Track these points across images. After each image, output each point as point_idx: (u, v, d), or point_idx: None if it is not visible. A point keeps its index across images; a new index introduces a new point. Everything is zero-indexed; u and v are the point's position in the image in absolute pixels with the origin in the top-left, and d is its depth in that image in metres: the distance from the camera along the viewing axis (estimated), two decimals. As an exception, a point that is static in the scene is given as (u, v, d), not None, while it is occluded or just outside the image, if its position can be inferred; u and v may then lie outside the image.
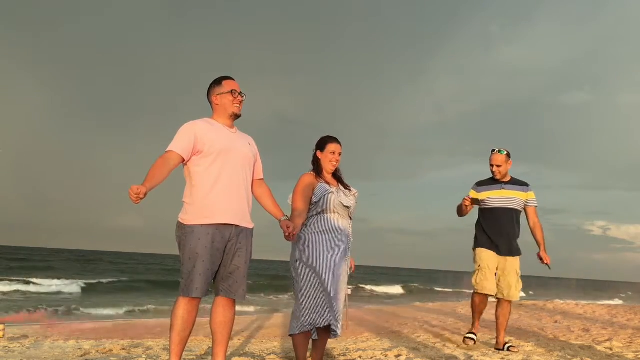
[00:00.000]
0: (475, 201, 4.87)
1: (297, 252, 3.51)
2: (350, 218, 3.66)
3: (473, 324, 4.99)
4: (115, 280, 24.28)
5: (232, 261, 3.18)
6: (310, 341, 3.60)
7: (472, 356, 4.49)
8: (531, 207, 4.83)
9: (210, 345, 3.55)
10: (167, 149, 3.10)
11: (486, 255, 4.77)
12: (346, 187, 3.68)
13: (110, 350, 4.99)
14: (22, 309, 12.59)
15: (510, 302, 4.79)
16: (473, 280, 4.81)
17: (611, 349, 4.91)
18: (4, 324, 6.72)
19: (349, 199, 3.61)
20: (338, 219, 3.55)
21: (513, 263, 4.75)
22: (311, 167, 3.68)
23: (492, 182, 4.86)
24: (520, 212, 4.84)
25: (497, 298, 4.83)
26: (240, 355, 4.60)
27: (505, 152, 4.80)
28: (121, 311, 13.12)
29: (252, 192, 3.38)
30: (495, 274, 4.79)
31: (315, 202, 3.50)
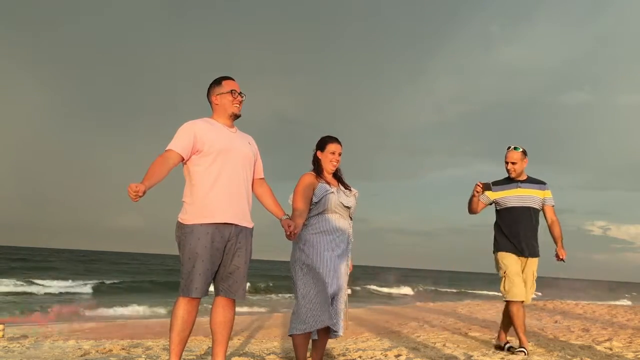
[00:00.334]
0: (485, 188, 4.66)
1: (297, 252, 3.51)
2: (351, 218, 3.66)
3: (519, 339, 4.57)
4: (124, 280, 24.28)
5: (232, 261, 3.18)
6: (310, 341, 3.60)
7: (472, 356, 4.49)
8: (549, 205, 4.70)
9: (210, 345, 3.55)
10: (167, 148, 3.10)
11: (510, 260, 4.58)
12: (346, 187, 3.67)
13: (110, 350, 4.99)
14: (42, 310, 12.57)
15: (524, 303, 4.60)
16: (502, 288, 4.60)
17: (611, 349, 4.91)
18: (4, 324, 6.72)
19: (350, 199, 3.61)
20: (338, 219, 3.54)
21: (532, 265, 4.61)
22: (311, 167, 3.68)
23: (508, 181, 4.72)
24: (539, 211, 4.70)
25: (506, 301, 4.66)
26: (240, 355, 4.60)
27: (521, 149, 4.66)
28: (144, 311, 13.07)
29: (253, 192, 3.38)
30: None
31: (316, 203, 3.50)
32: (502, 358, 4.39)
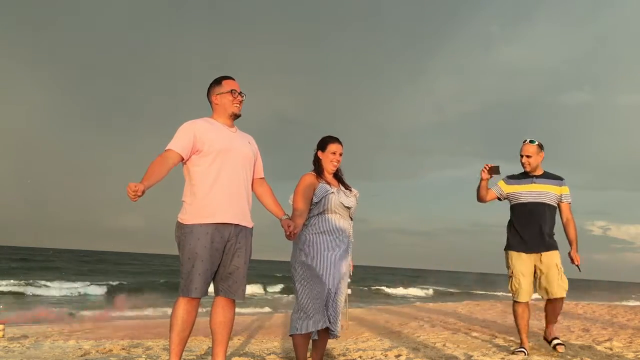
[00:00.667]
0: (493, 171, 4.49)
1: (297, 252, 3.51)
2: (351, 218, 3.66)
3: (521, 339, 4.58)
4: (134, 281, 24.28)
5: (232, 261, 3.18)
6: (311, 341, 3.60)
7: (472, 356, 4.49)
8: (565, 202, 4.54)
9: (210, 345, 3.55)
10: (166, 148, 3.10)
11: (517, 259, 4.48)
12: (347, 187, 3.67)
13: (110, 350, 4.99)
14: (65, 311, 12.58)
15: (559, 298, 4.43)
16: (509, 287, 4.53)
17: (611, 349, 4.91)
18: (4, 324, 6.71)
19: (350, 200, 3.61)
20: (339, 220, 3.55)
21: (551, 257, 4.41)
22: (312, 167, 3.68)
23: (523, 176, 4.57)
24: (555, 208, 4.54)
25: (544, 299, 4.54)
26: (240, 355, 4.60)
27: (537, 143, 4.50)
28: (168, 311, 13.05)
29: (253, 191, 3.38)
30: (535, 275, 4.49)
31: (316, 203, 3.50)
32: (502, 358, 4.39)
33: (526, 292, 4.45)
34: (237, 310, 3.38)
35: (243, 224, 3.21)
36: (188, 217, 3.11)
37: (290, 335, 3.55)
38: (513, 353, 4.52)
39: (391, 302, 20.12)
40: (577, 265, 4.47)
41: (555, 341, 4.61)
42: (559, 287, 4.40)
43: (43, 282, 20.47)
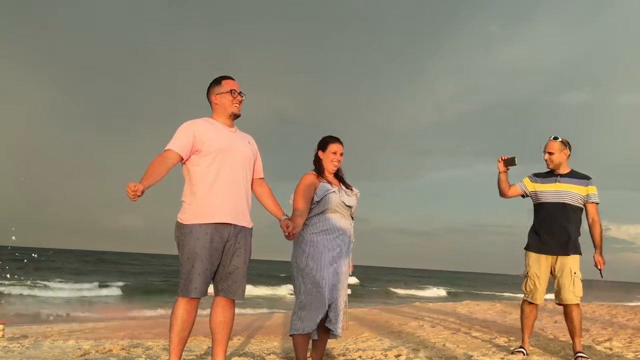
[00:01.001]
0: (508, 163, 4.39)
1: (298, 252, 3.51)
2: (352, 218, 3.66)
3: (522, 338, 4.52)
4: (133, 281, 24.22)
5: (231, 261, 3.18)
6: (310, 341, 3.60)
7: (472, 356, 4.49)
8: (591, 203, 4.34)
9: (210, 345, 3.55)
10: (166, 148, 3.10)
11: (534, 261, 4.36)
12: (348, 187, 3.68)
13: (110, 350, 4.99)
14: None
15: (572, 305, 4.26)
16: (523, 287, 4.44)
17: (611, 349, 4.91)
18: (4, 324, 6.71)
19: (351, 199, 3.61)
20: (339, 219, 3.55)
21: (567, 262, 4.26)
22: (312, 167, 3.68)
23: (548, 174, 4.42)
24: (579, 208, 4.35)
25: (558, 304, 4.40)
26: (240, 355, 4.60)
27: (560, 139, 4.34)
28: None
29: (253, 191, 3.38)
30: (552, 277, 4.37)
31: (317, 202, 3.50)
32: (502, 358, 4.38)
33: (540, 295, 4.35)
34: (237, 310, 3.38)
35: (242, 224, 3.21)
36: (187, 217, 3.11)
37: (290, 335, 3.55)
38: (512, 353, 4.51)
39: (391, 302, 20.11)
40: (600, 270, 4.28)
41: (578, 355, 4.27)
42: (570, 293, 4.24)
43: (43, 282, 20.46)
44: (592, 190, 4.34)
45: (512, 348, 4.82)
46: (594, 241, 4.35)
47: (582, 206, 4.36)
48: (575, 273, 4.25)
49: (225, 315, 3.21)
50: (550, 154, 4.36)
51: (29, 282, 19.92)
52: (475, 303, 13.11)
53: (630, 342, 5.37)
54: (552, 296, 4.55)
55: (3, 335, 6.33)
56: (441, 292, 32.33)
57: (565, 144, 4.38)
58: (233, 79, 3.32)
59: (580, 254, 4.32)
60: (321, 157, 3.64)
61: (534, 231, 4.44)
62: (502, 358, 4.38)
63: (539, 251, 4.37)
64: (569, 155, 4.41)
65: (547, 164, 4.41)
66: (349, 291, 3.69)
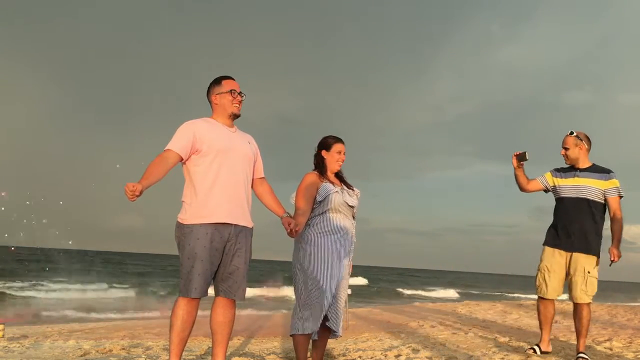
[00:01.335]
0: (520, 158, 4.34)
1: (299, 251, 3.52)
2: (354, 218, 3.66)
3: (541, 336, 4.42)
4: (133, 280, 24.19)
5: (232, 261, 3.18)
6: (311, 341, 3.60)
7: (472, 356, 4.49)
8: (611, 197, 4.22)
9: (210, 345, 3.55)
10: (166, 148, 3.10)
11: (548, 254, 4.31)
12: (349, 187, 3.68)
13: (110, 350, 4.99)
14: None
15: (583, 304, 4.19)
16: (535, 282, 4.38)
17: (611, 349, 4.91)
18: (4, 324, 6.71)
19: (353, 199, 3.61)
20: (342, 219, 3.55)
21: (581, 260, 4.17)
22: (312, 167, 3.68)
23: (569, 169, 4.35)
24: (600, 204, 4.24)
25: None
26: (240, 355, 4.60)
27: (575, 134, 4.27)
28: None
29: (253, 191, 3.39)
30: (568, 274, 4.27)
31: (320, 202, 3.50)
32: (502, 358, 4.39)
33: (551, 289, 4.27)
34: (237, 310, 3.38)
35: (243, 224, 3.21)
36: (188, 217, 3.11)
37: (290, 335, 3.55)
38: (526, 351, 4.43)
39: (391, 302, 20.11)
40: (612, 261, 4.14)
41: (579, 355, 4.21)
42: (581, 292, 4.16)
43: (43, 283, 20.47)
44: (613, 183, 4.24)
45: (526, 348, 4.69)
46: (613, 234, 4.22)
47: (602, 201, 4.25)
48: (589, 272, 4.17)
49: (225, 315, 3.21)
50: (566, 149, 4.30)
51: (29, 282, 19.94)
52: (475, 303, 13.12)
53: (630, 342, 5.37)
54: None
55: (3, 335, 6.33)
56: (450, 293, 32.09)
57: (581, 138, 4.29)
58: (233, 79, 3.32)
59: (597, 255, 4.22)
60: (325, 157, 3.64)
61: (552, 226, 4.39)
62: (502, 358, 4.38)
63: (554, 246, 4.32)
64: (588, 149, 4.33)
65: (565, 160, 4.36)
66: (349, 291, 3.69)
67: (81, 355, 4.72)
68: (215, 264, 3.13)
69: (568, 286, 4.30)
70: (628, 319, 8.35)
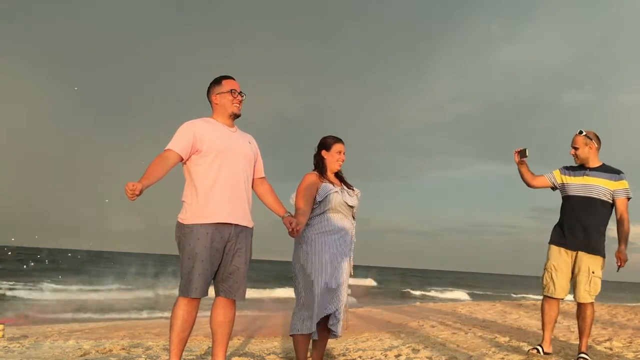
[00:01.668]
0: (521, 155, 4.34)
1: (299, 251, 3.52)
2: (354, 218, 3.66)
3: (542, 337, 4.40)
4: (133, 280, 24.08)
5: (232, 261, 3.18)
6: (311, 341, 3.60)
7: (472, 356, 4.49)
8: (619, 198, 4.19)
9: (210, 345, 3.55)
10: (166, 148, 3.10)
11: (554, 253, 4.29)
12: (349, 187, 3.68)
13: (110, 350, 4.99)
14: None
15: (586, 304, 4.18)
16: (541, 281, 4.36)
17: (611, 349, 4.91)
18: (4, 324, 6.71)
19: (353, 199, 3.61)
20: (341, 219, 3.55)
21: (586, 260, 4.15)
22: (312, 167, 3.68)
23: (578, 168, 4.32)
24: (608, 204, 4.21)
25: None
26: (240, 355, 4.60)
27: (585, 133, 4.23)
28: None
29: (254, 191, 3.39)
30: (572, 273, 4.25)
31: (320, 202, 3.50)
32: (502, 358, 4.39)
33: (559, 288, 4.24)
34: (237, 310, 3.38)
35: (243, 224, 3.21)
36: (188, 217, 3.11)
37: (290, 335, 3.55)
38: (528, 352, 4.41)
39: (392, 302, 20.11)
40: (619, 266, 4.11)
41: (580, 356, 4.21)
42: (585, 292, 4.15)
43: (42, 283, 20.46)
44: (622, 185, 4.21)
45: (528, 348, 4.67)
46: (619, 236, 4.18)
47: (610, 201, 4.22)
48: (593, 272, 4.15)
49: (225, 315, 3.21)
50: (575, 148, 4.28)
51: (29, 282, 19.93)
52: (475, 303, 13.12)
53: (630, 342, 5.38)
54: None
55: (3, 335, 6.33)
56: (460, 294, 31.80)
57: (591, 137, 4.26)
58: (233, 79, 3.33)
59: (602, 256, 4.21)
60: (325, 157, 3.64)
61: (559, 225, 4.37)
62: (502, 358, 4.38)
63: (560, 245, 4.30)
64: (598, 148, 4.30)
65: (574, 159, 4.33)
66: (349, 291, 3.69)
67: (81, 355, 4.72)
68: (215, 264, 3.13)
69: (572, 285, 4.28)
70: (628, 319, 8.35)
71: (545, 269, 4.34)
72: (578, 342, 4.36)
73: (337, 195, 3.52)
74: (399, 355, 4.62)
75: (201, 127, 3.16)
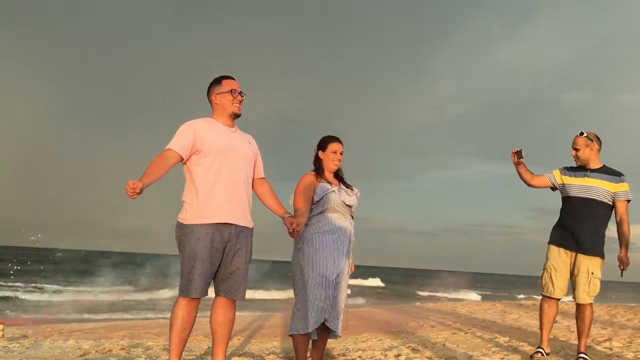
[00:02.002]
0: (518, 156, 4.32)
1: (298, 252, 3.52)
2: (352, 217, 3.66)
3: (541, 338, 4.37)
4: (133, 280, 24.07)
5: (232, 261, 3.18)
6: (310, 341, 3.61)
7: (472, 356, 4.49)
8: (620, 200, 4.17)
9: (210, 345, 3.55)
10: (166, 147, 3.10)
11: (553, 253, 4.28)
12: (348, 186, 3.68)
13: (110, 350, 4.99)
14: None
15: (585, 305, 4.19)
16: (540, 280, 4.36)
17: (611, 349, 4.91)
18: (4, 324, 6.71)
19: (351, 198, 3.61)
20: (340, 219, 3.55)
21: (585, 261, 4.15)
22: (312, 167, 3.68)
23: (579, 169, 4.31)
24: (608, 205, 4.21)
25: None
26: (240, 355, 4.60)
27: (586, 134, 4.22)
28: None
29: (254, 191, 3.39)
30: (572, 274, 4.24)
31: (317, 202, 3.51)
32: (502, 358, 4.39)
33: (557, 288, 4.23)
34: (237, 310, 3.38)
35: (243, 224, 3.21)
36: (188, 217, 3.11)
37: (290, 335, 3.55)
38: (531, 356, 4.35)
39: (392, 302, 20.11)
40: (622, 270, 4.09)
41: (580, 356, 4.22)
42: (584, 293, 4.15)
43: (42, 283, 20.46)
44: (622, 187, 4.21)
45: (531, 352, 4.59)
46: (620, 239, 4.18)
47: (610, 203, 4.22)
48: (592, 273, 4.15)
49: (225, 315, 3.21)
50: (576, 150, 4.26)
51: (28, 282, 19.92)
52: (475, 303, 13.12)
53: (630, 342, 5.38)
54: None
55: (3, 335, 6.33)
56: (473, 295, 31.53)
57: (591, 139, 4.25)
58: (233, 79, 3.33)
59: (602, 257, 4.21)
60: (321, 157, 3.65)
61: (558, 225, 4.37)
62: (502, 358, 4.39)
63: (560, 245, 4.29)
64: (599, 149, 4.30)
65: (575, 160, 4.32)
66: (349, 291, 3.69)
67: (81, 355, 4.72)
68: (215, 264, 3.13)
69: (571, 286, 4.27)
70: (628, 319, 8.35)
71: (544, 268, 4.34)
72: (577, 343, 4.35)
73: (335, 195, 3.52)
74: (399, 355, 4.63)
75: (201, 127, 3.16)
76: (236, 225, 3.17)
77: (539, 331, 4.51)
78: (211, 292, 3.22)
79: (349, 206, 3.60)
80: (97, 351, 4.98)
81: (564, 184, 4.34)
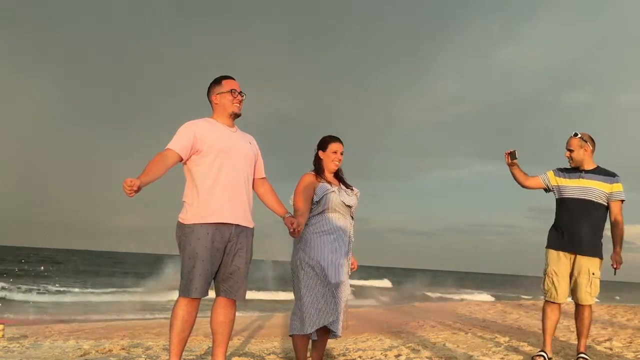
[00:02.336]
0: (512, 157, 4.34)
1: (298, 252, 3.52)
2: (352, 217, 3.66)
3: (544, 341, 4.34)
4: (134, 280, 23.98)
5: (233, 261, 3.18)
6: (310, 341, 3.60)
7: (472, 356, 4.49)
8: (614, 200, 4.20)
9: (210, 345, 3.55)
10: (166, 147, 3.10)
11: (553, 257, 4.26)
12: (348, 186, 3.68)
13: (110, 350, 4.99)
14: None
15: (585, 306, 4.21)
16: (542, 286, 4.34)
17: (611, 349, 4.91)
18: (4, 324, 6.71)
19: (351, 198, 3.61)
20: (339, 219, 3.55)
21: (585, 263, 4.15)
22: (312, 167, 3.68)
23: (573, 170, 4.30)
24: (603, 206, 4.22)
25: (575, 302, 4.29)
26: (240, 355, 4.60)
27: (580, 136, 4.23)
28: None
29: (254, 191, 3.38)
30: (571, 275, 4.23)
31: (317, 202, 3.50)
32: (502, 358, 4.39)
33: (560, 293, 4.22)
34: (237, 310, 3.38)
35: (244, 224, 3.21)
36: (189, 217, 3.11)
37: (290, 335, 3.55)
38: (532, 358, 4.33)
39: (391, 302, 20.11)
40: (615, 269, 4.11)
41: (580, 356, 4.25)
42: (586, 294, 4.16)
43: (42, 283, 20.45)
44: (617, 187, 4.22)
45: (533, 354, 4.63)
46: (614, 240, 4.18)
47: (605, 204, 4.23)
48: (593, 274, 4.16)
49: (226, 315, 3.21)
50: (570, 151, 4.27)
51: (28, 282, 19.92)
52: (475, 303, 13.12)
53: (630, 342, 5.38)
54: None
55: (3, 335, 6.33)
56: (485, 296, 31.25)
57: (586, 140, 4.26)
58: (233, 79, 3.32)
59: (601, 257, 4.22)
60: (322, 157, 3.65)
61: (555, 227, 4.35)
62: (502, 358, 4.39)
63: (558, 248, 4.27)
64: (593, 150, 4.30)
65: (569, 162, 4.32)
66: (349, 291, 3.69)
67: (81, 355, 4.72)
68: (216, 264, 3.13)
69: (571, 287, 4.27)
70: (628, 319, 8.36)
71: (545, 274, 4.32)
72: (577, 343, 4.36)
73: (335, 195, 3.52)
74: (399, 355, 4.63)
75: (202, 127, 3.16)
76: (237, 225, 3.17)
77: (539, 331, 4.51)
78: (211, 292, 3.22)
79: (349, 206, 3.60)
80: (97, 351, 4.98)
81: (558, 185, 4.33)
